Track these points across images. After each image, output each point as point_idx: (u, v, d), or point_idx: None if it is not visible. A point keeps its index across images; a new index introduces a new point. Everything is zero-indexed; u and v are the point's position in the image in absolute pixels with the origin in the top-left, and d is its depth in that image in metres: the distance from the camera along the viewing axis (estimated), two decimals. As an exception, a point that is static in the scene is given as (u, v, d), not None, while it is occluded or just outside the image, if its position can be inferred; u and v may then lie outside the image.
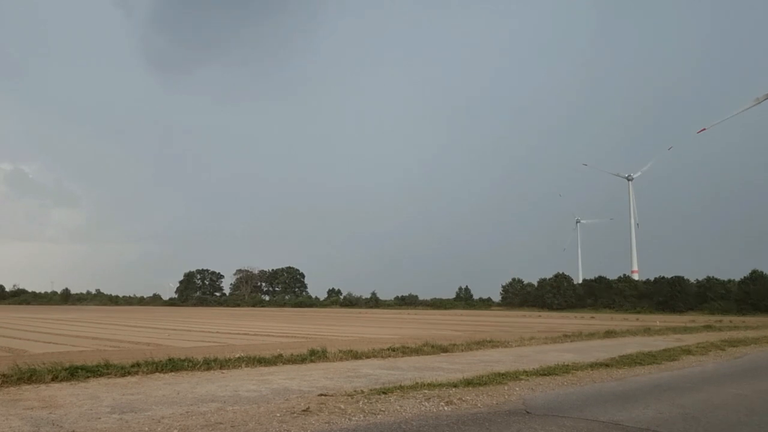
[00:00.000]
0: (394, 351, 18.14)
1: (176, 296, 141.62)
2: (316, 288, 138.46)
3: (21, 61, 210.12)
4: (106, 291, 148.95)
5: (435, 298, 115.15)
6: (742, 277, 73.25)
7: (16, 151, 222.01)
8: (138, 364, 12.98)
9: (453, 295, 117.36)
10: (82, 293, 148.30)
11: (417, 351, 18.68)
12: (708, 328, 37.06)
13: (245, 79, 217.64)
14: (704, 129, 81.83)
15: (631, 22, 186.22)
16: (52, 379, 11.37)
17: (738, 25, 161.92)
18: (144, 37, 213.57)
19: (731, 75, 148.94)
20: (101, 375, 12.14)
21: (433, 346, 19.57)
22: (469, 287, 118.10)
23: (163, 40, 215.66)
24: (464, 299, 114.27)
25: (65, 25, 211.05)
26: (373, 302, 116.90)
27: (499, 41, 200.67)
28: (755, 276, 71.00)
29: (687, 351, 19.90)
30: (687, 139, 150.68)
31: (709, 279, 78.80)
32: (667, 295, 77.63)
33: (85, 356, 15.63)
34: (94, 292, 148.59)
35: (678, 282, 78.56)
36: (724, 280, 77.77)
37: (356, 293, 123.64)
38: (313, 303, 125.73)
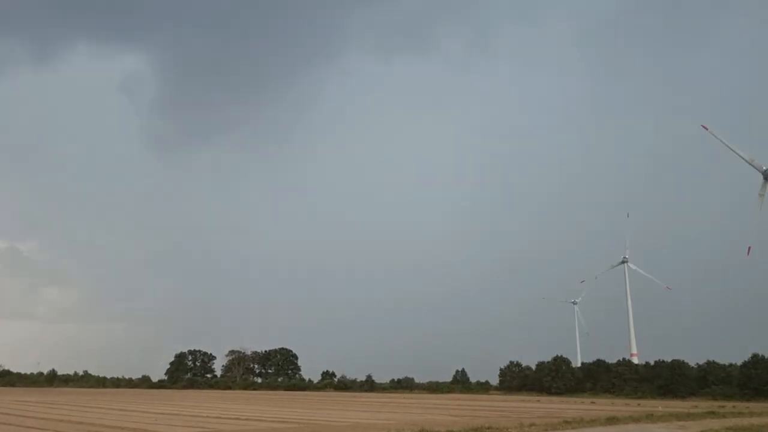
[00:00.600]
0: (389, 438, 17.58)
1: (166, 378, 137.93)
2: (310, 370, 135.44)
3: (24, 142, 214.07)
4: (94, 372, 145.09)
5: (432, 382, 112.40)
6: (743, 361, 72.20)
7: (12, 229, 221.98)
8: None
9: (450, 378, 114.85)
10: (69, 374, 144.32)
11: (413, 438, 18.10)
12: (711, 414, 36.12)
13: (245, 161, 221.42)
14: (706, 127, 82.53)
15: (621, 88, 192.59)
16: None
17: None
18: (147, 121, 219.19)
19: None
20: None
21: (429, 433, 18.99)
22: (466, 370, 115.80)
23: (165, 123, 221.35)
24: (461, 382, 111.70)
25: (70, 108, 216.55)
26: (368, 385, 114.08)
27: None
28: (756, 360, 69.98)
29: (691, 439, 19.35)
30: (684, 220, 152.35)
31: (709, 363, 77.55)
32: (668, 379, 76.17)
33: (68, 443, 15.05)
34: (81, 373, 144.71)
35: (678, 366, 77.29)
36: (725, 364, 76.58)
37: (351, 376, 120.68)
38: (306, 386, 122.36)
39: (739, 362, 73.60)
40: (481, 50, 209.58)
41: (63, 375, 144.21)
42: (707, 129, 78.18)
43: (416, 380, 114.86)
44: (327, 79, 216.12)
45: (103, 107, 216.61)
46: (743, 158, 78.33)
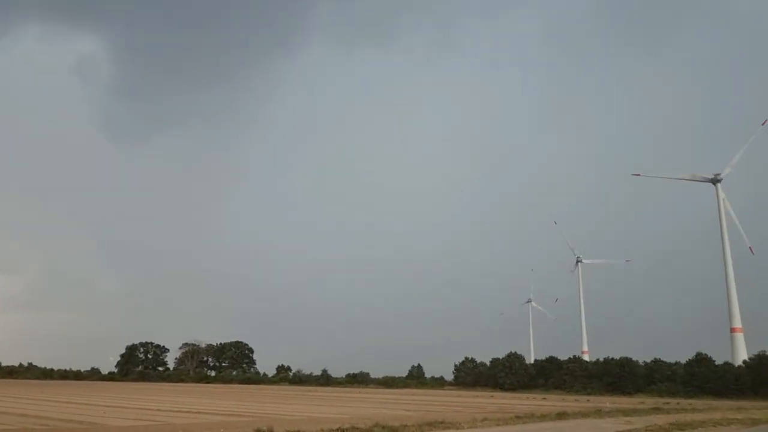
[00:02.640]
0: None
1: (116, 370, 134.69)
2: (265, 364, 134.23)
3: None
4: (40, 363, 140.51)
5: (387, 376, 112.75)
6: (688, 360, 74.77)
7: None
8: (68, 445, 12.15)
9: (405, 374, 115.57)
10: (13, 366, 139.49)
11: (367, 432, 18.13)
12: (656, 410, 37.31)
13: (201, 149, 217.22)
14: (638, 174, 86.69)
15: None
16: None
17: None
18: (100, 105, 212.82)
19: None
20: (26, 456, 11.29)
21: (383, 427, 19.05)
22: (421, 365, 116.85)
23: (120, 108, 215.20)
24: (417, 378, 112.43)
25: (18, 90, 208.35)
26: (324, 380, 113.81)
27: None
28: (700, 358, 72.52)
29: (636, 434, 19.91)
30: (630, 219, 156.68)
31: (656, 361, 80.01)
32: (616, 377, 78.25)
33: (10, 435, 14.54)
34: (26, 364, 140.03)
35: (626, 363, 79.44)
36: (670, 363, 79.13)
37: (306, 370, 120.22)
38: (261, 380, 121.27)
39: (684, 361, 76.18)
40: (444, 45, 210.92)
41: (7, 366, 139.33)
42: (640, 175, 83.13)
43: (372, 375, 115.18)
44: (288, 70, 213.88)
45: (53, 90, 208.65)
46: (686, 179, 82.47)
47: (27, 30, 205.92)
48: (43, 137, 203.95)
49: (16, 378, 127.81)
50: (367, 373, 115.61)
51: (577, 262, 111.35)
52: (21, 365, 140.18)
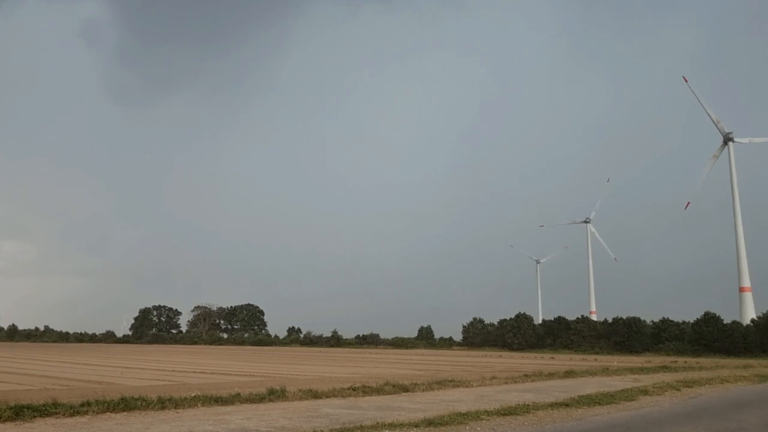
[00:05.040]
0: (354, 390, 17.90)
1: (130, 333, 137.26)
2: (276, 326, 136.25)
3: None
4: (56, 327, 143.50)
5: (396, 338, 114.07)
6: (696, 319, 75.02)
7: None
8: (88, 404, 12.48)
9: (415, 335, 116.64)
10: (30, 329, 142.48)
11: (378, 390, 18.47)
12: (664, 368, 37.69)
13: (209, 113, 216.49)
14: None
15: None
16: (-5, 419, 10.84)
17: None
18: (107, 70, 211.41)
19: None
20: (48, 415, 11.62)
21: (394, 386, 19.38)
22: (431, 327, 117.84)
23: (127, 72, 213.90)
24: (426, 339, 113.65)
25: (24, 55, 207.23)
26: (334, 341, 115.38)
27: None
28: (708, 318, 72.73)
29: (644, 391, 20.17)
30: (642, 177, 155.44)
31: (664, 320, 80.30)
32: (624, 336, 78.76)
33: (31, 395, 14.95)
34: (42, 328, 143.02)
35: (634, 323, 79.84)
36: (678, 322, 79.40)
37: (317, 332, 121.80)
38: (272, 341, 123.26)
39: (692, 320, 76.46)
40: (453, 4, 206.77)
41: (24, 330, 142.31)
42: (687, 81, 79.12)
43: (381, 336, 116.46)
44: (293, 28, 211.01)
45: (60, 54, 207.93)
46: (711, 118, 79.88)
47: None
48: (51, 102, 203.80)
49: (34, 341, 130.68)
50: (377, 335, 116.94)
51: (585, 221, 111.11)
52: (37, 329, 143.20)
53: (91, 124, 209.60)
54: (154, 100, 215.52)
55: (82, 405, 12.35)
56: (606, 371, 32.74)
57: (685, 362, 49.06)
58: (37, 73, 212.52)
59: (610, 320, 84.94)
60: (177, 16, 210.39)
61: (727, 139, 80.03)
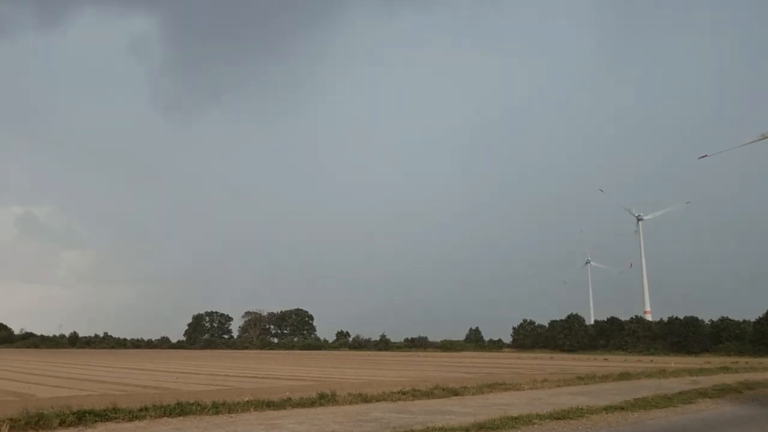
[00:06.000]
0: (404, 394, 17.89)
1: (184, 339, 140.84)
2: (325, 330, 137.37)
3: (36, 106, 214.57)
4: (114, 334, 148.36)
5: (445, 340, 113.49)
6: (757, 318, 72.19)
7: (28, 195, 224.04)
8: (146, 408, 12.87)
9: (463, 337, 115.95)
10: (90, 336, 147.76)
11: (428, 394, 18.41)
12: (724, 369, 36.33)
13: (256, 124, 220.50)
14: (706, 155, 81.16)
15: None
16: (60, 424, 11.29)
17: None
18: (155, 83, 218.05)
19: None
20: (109, 419, 12.03)
21: (444, 389, 19.29)
22: (479, 329, 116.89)
23: (173, 84, 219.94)
24: (475, 341, 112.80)
25: (80, 70, 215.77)
26: (383, 344, 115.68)
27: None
28: (771, 316, 70.02)
29: (703, 394, 19.49)
30: (699, 175, 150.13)
31: (723, 319, 77.56)
32: (681, 336, 76.38)
33: (92, 400, 15.52)
34: (101, 335, 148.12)
35: (692, 322, 77.38)
36: (738, 321, 76.57)
37: (365, 335, 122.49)
38: (321, 345, 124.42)
39: (753, 319, 73.59)
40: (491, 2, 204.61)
41: (84, 337, 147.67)
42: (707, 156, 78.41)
43: (430, 339, 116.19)
44: (335, 35, 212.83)
45: (112, 70, 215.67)
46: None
47: (83, 12, 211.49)
48: (104, 116, 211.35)
49: (94, 348, 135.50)
50: (425, 338, 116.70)
51: (638, 220, 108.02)
52: (96, 336, 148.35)
53: (141, 136, 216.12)
54: (201, 111, 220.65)
55: (141, 410, 12.73)
56: (663, 373, 31.75)
57: (747, 363, 47.18)
58: (92, 87, 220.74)
59: (665, 320, 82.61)
60: (218, 27, 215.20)
61: None
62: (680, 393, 19.38)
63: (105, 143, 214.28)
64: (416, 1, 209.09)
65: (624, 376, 28.22)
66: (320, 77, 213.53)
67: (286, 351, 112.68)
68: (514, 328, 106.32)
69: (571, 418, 13.23)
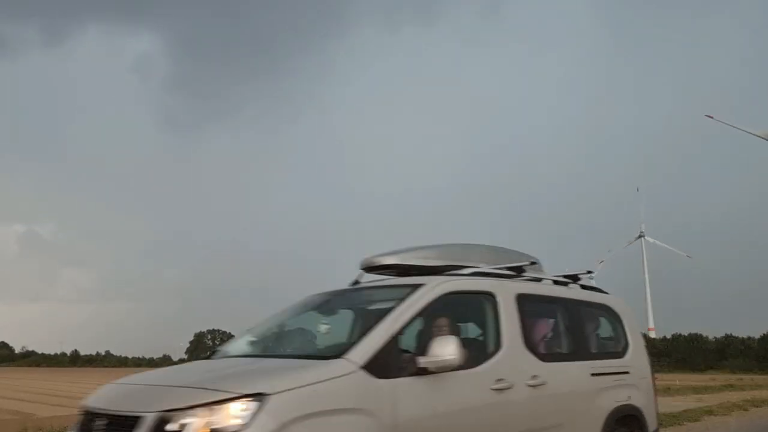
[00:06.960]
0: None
1: (186, 357, 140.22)
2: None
3: (38, 124, 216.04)
4: (115, 352, 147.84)
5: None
6: (762, 334, 71.79)
7: (30, 213, 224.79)
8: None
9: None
10: (91, 354, 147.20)
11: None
12: (729, 387, 36.01)
13: (258, 137, 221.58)
14: (711, 116, 79.02)
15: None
16: (60, 443, 11.24)
17: None
18: (158, 101, 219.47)
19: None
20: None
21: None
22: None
23: (176, 103, 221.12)
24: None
25: (83, 89, 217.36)
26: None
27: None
28: (775, 332, 69.74)
29: (709, 411, 19.31)
30: (704, 193, 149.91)
31: (727, 336, 77.09)
32: (685, 353, 75.91)
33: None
34: (103, 353, 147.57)
35: (696, 339, 76.96)
36: (743, 338, 76.10)
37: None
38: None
39: (758, 335, 73.27)
40: (492, 21, 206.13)
41: (86, 355, 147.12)
42: (712, 118, 76.48)
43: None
44: (338, 54, 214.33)
45: (115, 88, 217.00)
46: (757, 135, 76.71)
47: (86, 30, 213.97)
48: (107, 136, 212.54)
49: (95, 366, 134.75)
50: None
51: (639, 236, 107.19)
52: (98, 354, 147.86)
53: (144, 154, 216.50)
54: (204, 130, 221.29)
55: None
56: (667, 391, 31.48)
57: (752, 380, 46.76)
58: (94, 106, 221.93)
59: (669, 337, 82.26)
60: (223, 47, 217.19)
61: None
62: (685, 411, 19.20)
63: (107, 161, 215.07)
64: (419, 19, 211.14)
65: (628, 393, 27.94)
66: (322, 94, 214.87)
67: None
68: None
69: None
